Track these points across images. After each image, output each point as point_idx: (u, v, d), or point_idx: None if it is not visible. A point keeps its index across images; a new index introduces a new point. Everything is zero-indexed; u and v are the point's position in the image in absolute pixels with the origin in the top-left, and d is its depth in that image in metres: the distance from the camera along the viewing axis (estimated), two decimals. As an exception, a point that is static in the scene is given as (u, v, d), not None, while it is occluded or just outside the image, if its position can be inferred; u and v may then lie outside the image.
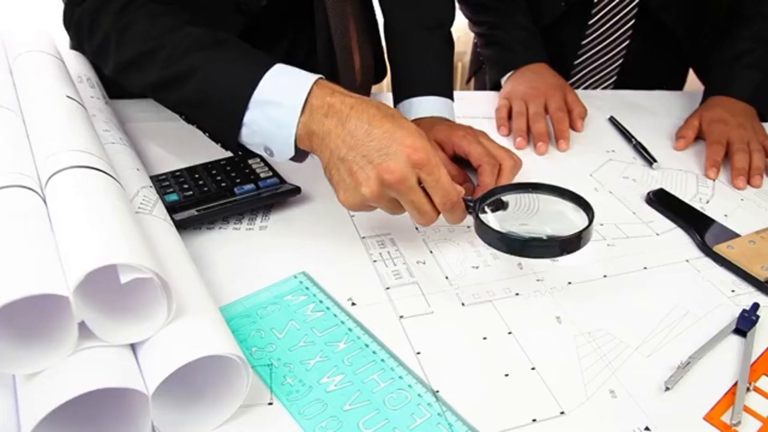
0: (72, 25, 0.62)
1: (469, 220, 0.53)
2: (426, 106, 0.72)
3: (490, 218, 0.53)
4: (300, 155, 0.54)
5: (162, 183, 0.60)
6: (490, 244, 0.51)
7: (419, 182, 0.49)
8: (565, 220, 0.53)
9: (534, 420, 0.41)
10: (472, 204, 0.53)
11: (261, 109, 0.51)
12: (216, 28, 0.56)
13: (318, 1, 0.74)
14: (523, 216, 0.54)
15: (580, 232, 0.49)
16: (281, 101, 0.51)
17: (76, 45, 0.67)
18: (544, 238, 0.51)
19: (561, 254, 0.50)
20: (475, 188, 0.64)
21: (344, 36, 0.75)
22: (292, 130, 0.51)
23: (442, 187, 0.50)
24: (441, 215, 0.52)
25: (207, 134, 0.58)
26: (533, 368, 0.45)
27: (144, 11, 0.57)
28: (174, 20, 0.57)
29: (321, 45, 0.77)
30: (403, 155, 0.48)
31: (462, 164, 0.66)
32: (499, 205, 0.55)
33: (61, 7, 0.65)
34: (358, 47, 0.78)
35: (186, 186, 0.60)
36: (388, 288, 0.52)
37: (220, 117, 0.54)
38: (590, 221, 0.50)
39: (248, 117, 0.52)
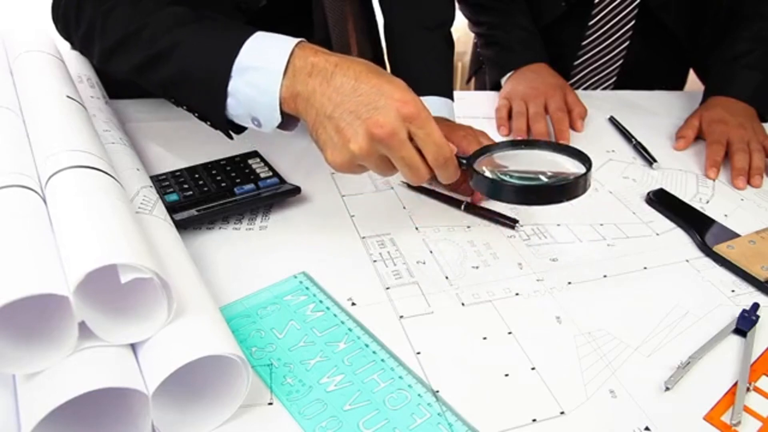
0: (59, 17, 0.62)
1: (470, 220, 0.53)
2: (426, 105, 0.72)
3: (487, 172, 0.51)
4: (287, 123, 0.53)
5: (162, 183, 0.60)
6: (487, 195, 0.50)
7: (410, 138, 0.48)
8: (559, 167, 0.51)
9: (534, 420, 0.41)
10: (465, 160, 0.51)
11: (243, 77, 0.51)
12: None
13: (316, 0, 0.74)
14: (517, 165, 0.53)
15: (582, 175, 0.48)
16: (263, 65, 0.50)
17: (66, 37, 0.67)
18: (541, 183, 0.50)
19: (560, 200, 0.49)
20: None
21: (343, 35, 0.75)
22: (275, 94, 0.50)
23: (434, 141, 0.48)
24: (435, 180, 0.51)
25: (196, 115, 0.58)
26: (533, 368, 0.45)
27: None
28: (156, 2, 0.56)
29: (319, 44, 0.77)
30: (393, 109, 0.46)
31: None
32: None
33: None
34: (357, 46, 0.78)
35: (186, 186, 0.60)
36: (388, 288, 0.52)
37: (204, 90, 0.53)
38: (588, 169, 0.49)
39: (232, 86, 0.51)
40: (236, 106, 0.52)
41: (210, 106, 0.54)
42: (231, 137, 0.57)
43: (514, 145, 0.54)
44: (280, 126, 0.52)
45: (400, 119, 0.47)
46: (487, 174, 0.50)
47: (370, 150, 0.48)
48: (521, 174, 0.51)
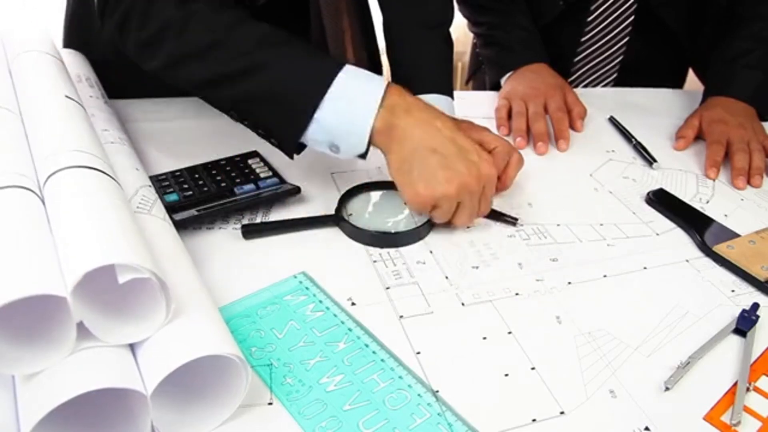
0: (117, 12, 0.57)
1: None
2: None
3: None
4: (366, 152, 0.55)
5: (162, 183, 0.60)
6: (349, 237, 0.58)
7: None
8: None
9: (534, 420, 0.41)
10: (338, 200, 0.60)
11: (335, 105, 0.52)
12: None
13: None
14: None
15: (417, 228, 0.57)
16: (357, 97, 0.52)
17: (117, 34, 0.59)
18: (386, 231, 0.57)
19: (399, 245, 0.57)
20: None
21: (338, 32, 0.75)
22: (367, 125, 0.52)
23: (488, 199, 0.56)
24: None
25: (259, 132, 0.58)
26: (533, 368, 0.45)
27: (206, 1, 0.55)
28: (239, 13, 0.55)
29: (315, 40, 0.77)
30: (485, 167, 0.53)
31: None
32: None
33: (59, 6, 0.64)
34: (351, 43, 0.78)
35: (186, 186, 0.60)
36: (388, 288, 0.52)
37: (286, 114, 0.54)
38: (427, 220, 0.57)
39: (320, 113, 0.52)
40: (318, 132, 0.53)
41: (286, 128, 0.55)
42: (292, 157, 0.58)
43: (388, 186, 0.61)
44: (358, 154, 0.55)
45: (483, 176, 0.53)
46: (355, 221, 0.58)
47: (458, 194, 0.53)
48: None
